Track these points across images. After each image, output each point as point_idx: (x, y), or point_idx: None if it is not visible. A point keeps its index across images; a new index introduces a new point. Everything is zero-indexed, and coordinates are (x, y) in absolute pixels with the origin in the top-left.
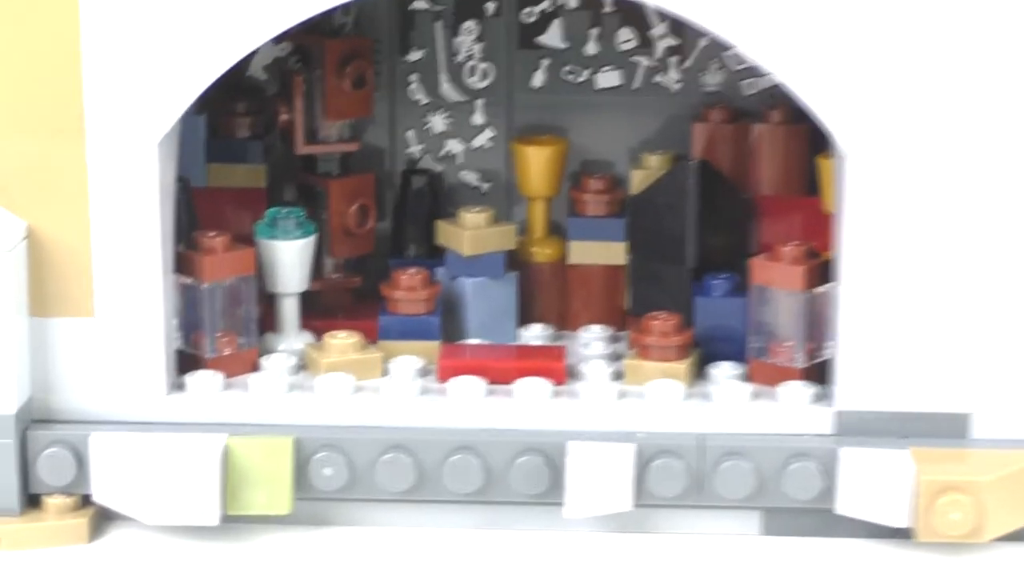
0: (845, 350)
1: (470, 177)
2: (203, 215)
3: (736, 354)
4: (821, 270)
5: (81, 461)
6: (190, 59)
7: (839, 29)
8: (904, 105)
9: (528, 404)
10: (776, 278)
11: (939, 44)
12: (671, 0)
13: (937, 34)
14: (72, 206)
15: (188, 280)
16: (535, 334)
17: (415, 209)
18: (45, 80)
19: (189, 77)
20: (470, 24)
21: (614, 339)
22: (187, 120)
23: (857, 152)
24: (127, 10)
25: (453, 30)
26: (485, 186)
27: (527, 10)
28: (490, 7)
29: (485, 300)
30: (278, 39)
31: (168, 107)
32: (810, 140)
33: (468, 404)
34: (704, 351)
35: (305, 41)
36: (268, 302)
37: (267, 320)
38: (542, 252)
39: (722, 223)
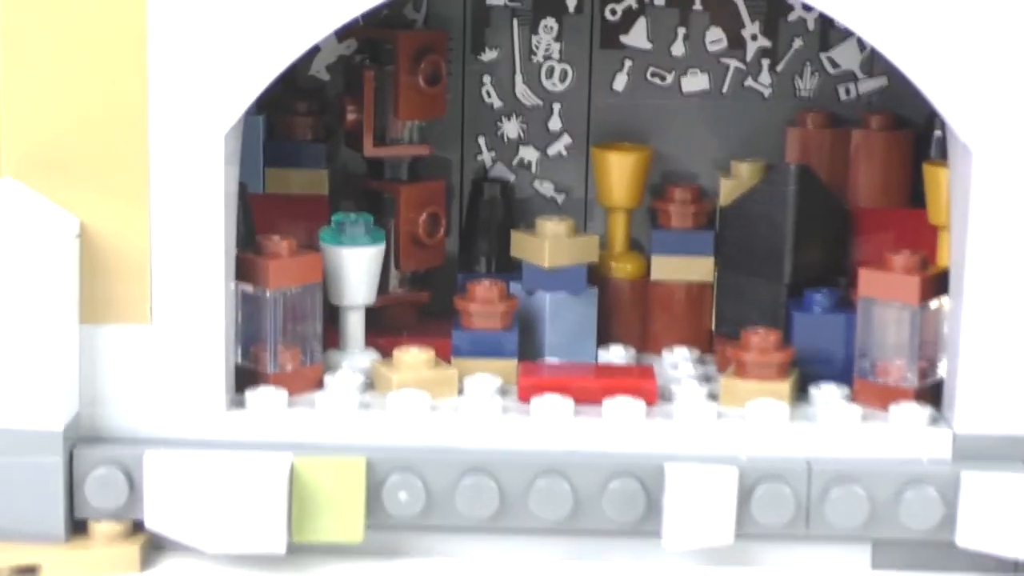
0: (965, 369)
1: (545, 187)
2: (260, 222)
3: (836, 374)
4: (935, 282)
5: (133, 483)
6: (257, 48)
7: (962, 13)
8: None
9: (620, 425)
10: (888, 290)
11: None
12: None
13: None
14: (131, 203)
15: (250, 288)
16: (615, 355)
17: (486, 221)
18: (108, 69)
19: (256, 67)
20: (549, 21)
21: (701, 361)
22: (245, 120)
23: (985, 150)
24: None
25: (531, 28)
26: (560, 197)
27: (611, 7)
28: (571, 3)
29: (564, 316)
30: (343, 35)
31: (235, 98)
32: (911, 148)
33: (555, 424)
34: (802, 371)
35: (375, 35)
36: (330, 317)
37: (328, 336)
38: (622, 268)
39: (820, 235)
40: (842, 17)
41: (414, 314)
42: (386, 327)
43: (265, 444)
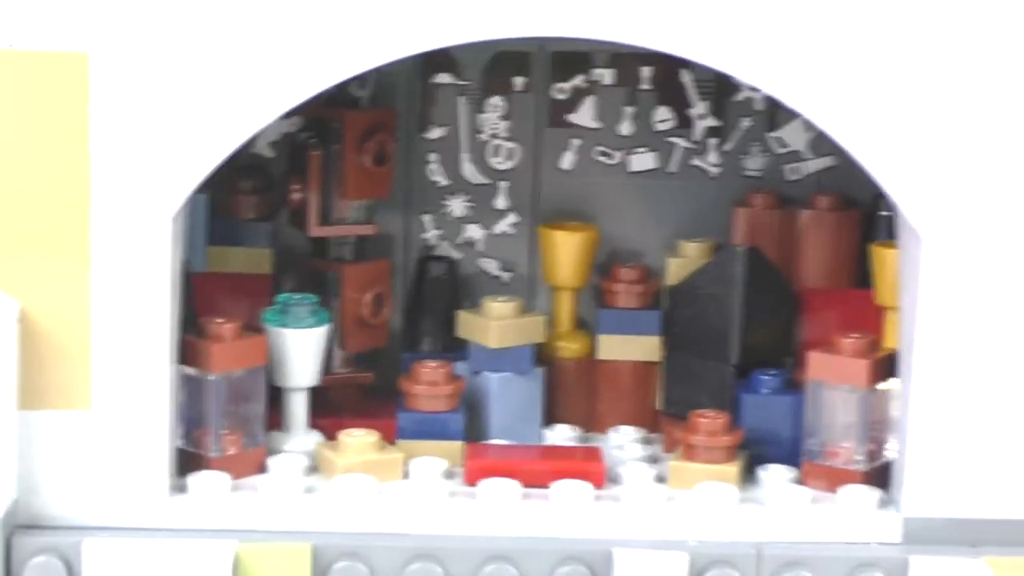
0: (914, 452)
1: (490, 265)
2: (201, 302)
3: (784, 456)
4: (884, 364)
5: (72, 571)
6: (205, 129)
7: (914, 99)
8: (983, 185)
9: (568, 509)
10: (837, 373)
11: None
12: (742, 69)
13: (1020, 115)
14: (72, 286)
15: (193, 371)
16: (562, 435)
17: (431, 299)
18: (49, 147)
19: (204, 148)
20: (496, 100)
21: (647, 440)
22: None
23: (934, 236)
24: (138, 79)
25: (478, 106)
26: (506, 275)
27: (558, 86)
28: (518, 82)
29: (510, 397)
30: (288, 113)
31: (182, 180)
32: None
33: (502, 509)
34: (750, 452)
35: (322, 114)
36: (272, 398)
37: (270, 416)
38: (568, 347)
39: (768, 316)
40: (791, 101)
41: (358, 394)
42: (330, 407)
43: (208, 531)
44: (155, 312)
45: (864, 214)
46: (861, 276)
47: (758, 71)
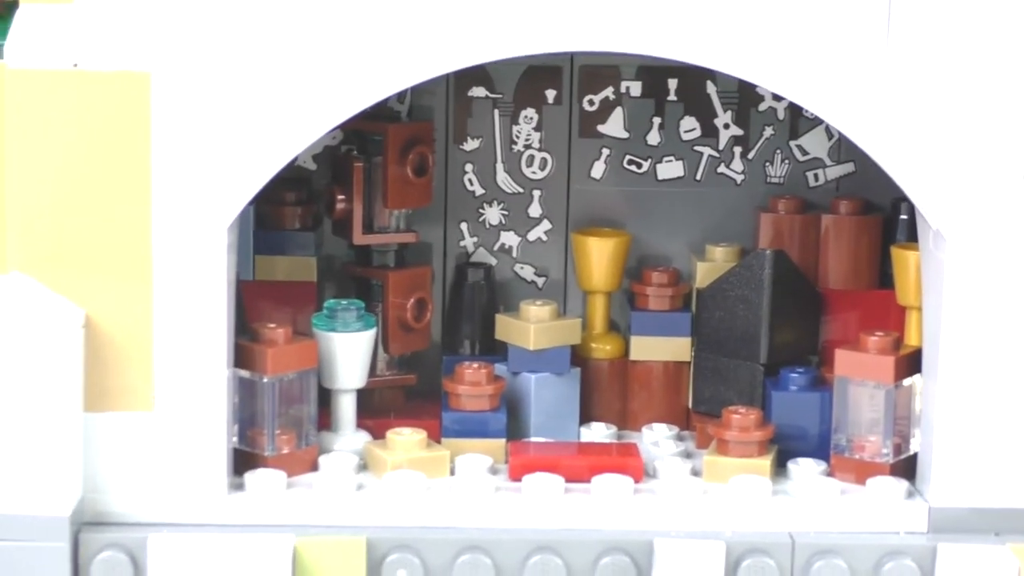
0: (939, 445)
1: (525, 271)
2: (249, 309)
3: (812, 450)
4: (907, 361)
5: (138, 566)
6: (258, 144)
7: (935, 104)
8: (1004, 187)
9: (610, 502)
10: (863, 370)
11: None
12: (763, 76)
13: None
14: (134, 294)
15: (247, 374)
16: (598, 433)
17: (470, 304)
18: (112, 163)
19: (257, 162)
20: (529, 112)
21: (680, 437)
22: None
23: (957, 236)
24: (197, 97)
25: (512, 118)
26: (540, 280)
27: (588, 98)
28: (550, 95)
29: (548, 396)
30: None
31: (237, 192)
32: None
33: (546, 503)
34: (780, 447)
35: (363, 128)
36: (321, 399)
37: (320, 418)
38: (602, 348)
39: (794, 317)
40: (813, 108)
41: (402, 396)
42: (375, 409)
43: (266, 526)
44: (212, 318)
45: (883, 218)
46: (882, 277)
47: (780, 79)
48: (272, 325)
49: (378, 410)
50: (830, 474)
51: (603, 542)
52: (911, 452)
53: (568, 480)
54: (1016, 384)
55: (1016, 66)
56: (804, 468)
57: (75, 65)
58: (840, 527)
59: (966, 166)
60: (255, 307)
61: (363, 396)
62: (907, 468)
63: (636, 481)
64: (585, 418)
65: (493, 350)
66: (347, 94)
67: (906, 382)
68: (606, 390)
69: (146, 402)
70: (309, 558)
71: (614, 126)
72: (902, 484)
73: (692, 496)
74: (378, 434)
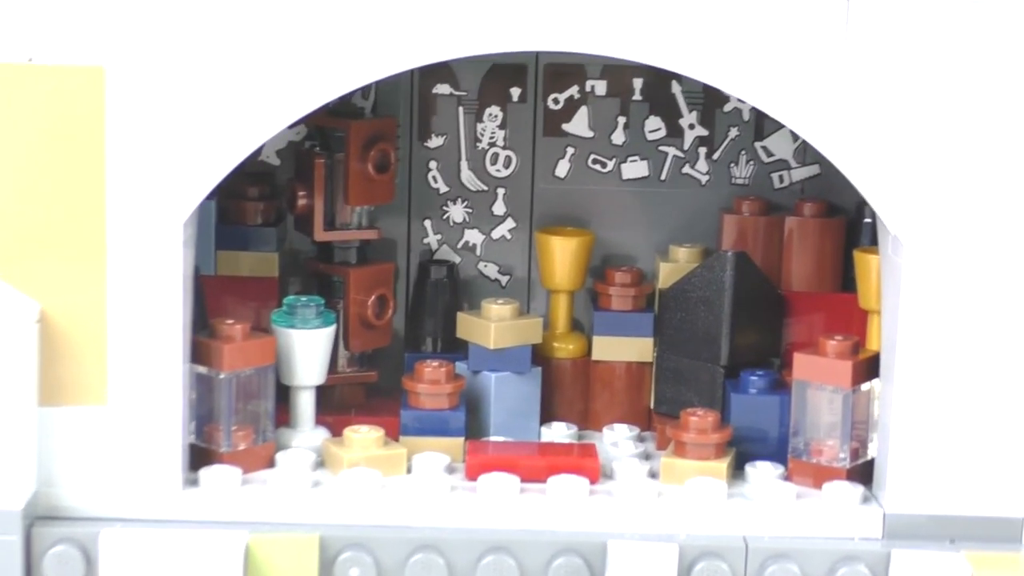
0: (895, 450)
1: (489, 269)
2: (211, 304)
3: (771, 453)
4: (866, 366)
5: (90, 560)
6: (216, 138)
7: (895, 110)
8: (962, 193)
9: (564, 503)
10: (821, 374)
11: (998, 134)
12: (726, 80)
13: (996, 124)
14: (89, 288)
15: (204, 370)
16: (558, 432)
17: (433, 301)
18: (67, 157)
19: (215, 157)
20: (494, 110)
21: (640, 438)
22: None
23: (915, 242)
24: (151, 92)
25: (476, 116)
26: (504, 278)
27: (553, 96)
28: (515, 93)
29: (509, 396)
30: (294, 122)
31: (193, 187)
32: (843, 235)
33: (501, 502)
34: (738, 450)
35: (326, 123)
36: (280, 395)
37: (279, 414)
38: (564, 348)
39: (756, 319)
40: (775, 112)
41: (362, 392)
42: (335, 405)
43: (220, 522)
44: (168, 313)
45: (848, 221)
46: (845, 280)
47: (743, 84)
48: (230, 321)
49: (339, 407)
50: (787, 478)
51: (557, 543)
52: (869, 457)
53: (525, 480)
54: (972, 391)
55: (976, 73)
56: (761, 471)
57: (30, 59)
58: (795, 531)
59: (926, 173)
60: (217, 302)
61: (324, 392)
62: (865, 473)
63: (592, 482)
64: (547, 417)
65: (456, 348)
66: (306, 90)
67: (864, 386)
68: (568, 389)
69: (100, 396)
70: (261, 555)
71: (579, 125)
72: (858, 489)
73: (647, 498)
74: (338, 431)
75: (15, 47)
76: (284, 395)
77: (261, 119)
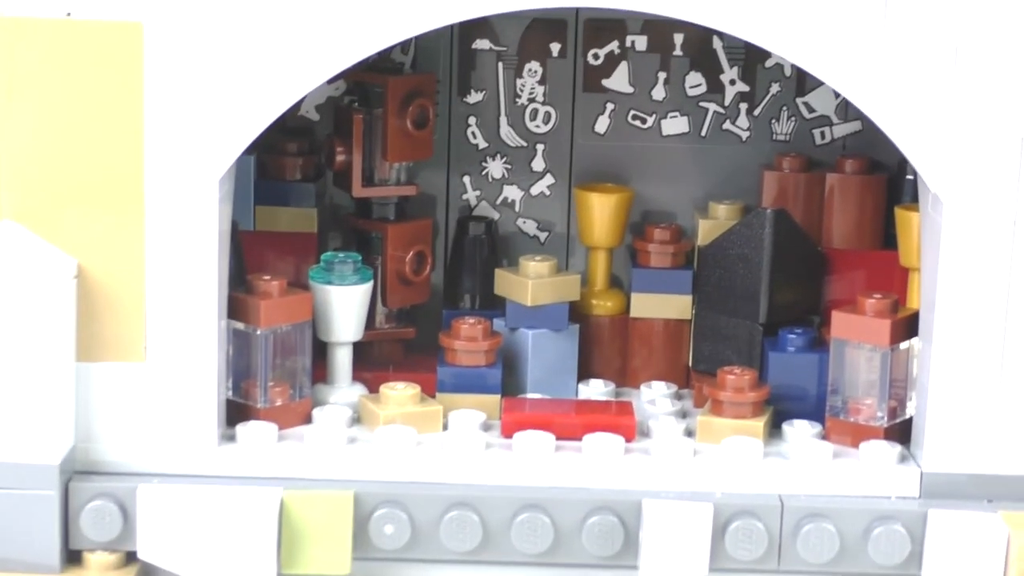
0: (933, 409)
1: (528, 225)
2: (250, 259)
3: (809, 412)
4: (905, 324)
5: (127, 515)
6: (252, 95)
7: (935, 67)
8: (1002, 150)
9: (600, 461)
10: (859, 332)
11: None
12: (766, 38)
13: None
14: (127, 244)
15: (241, 326)
16: (595, 390)
17: (471, 258)
18: (105, 112)
19: (251, 113)
20: (533, 65)
21: (678, 396)
22: (237, 160)
23: (955, 200)
24: (189, 47)
25: (516, 71)
26: (543, 235)
27: (593, 52)
28: (555, 48)
29: (546, 353)
30: (333, 77)
31: (229, 143)
32: (884, 192)
33: (536, 460)
34: (775, 408)
35: (364, 79)
36: (318, 352)
37: (316, 370)
38: (603, 305)
39: (795, 276)
40: (814, 70)
41: (400, 349)
42: (373, 361)
43: (255, 478)
44: (204, 269)
45: (889, 177)
46: (887, 238)
47: (782, 40)
48: (267, 277)
49: (377, 363)
50: (825, 437)
51: (591, 501)
52: (907, 416)
53: (560, 438)
54: (1010, 350)
55: (1014, 33)
56: (798, 430)
57: (68, 14)
58: (831, 490)
59: (966, 131)
60: (255, 258)
61: (362, 349)
62: (903, 432)
63: (628, 440)
64: (585, 374)
65: (494, 305)
66: (343, 46)
67: (903, 345)
68: (606, 347)
69: (138, 352)
70: (296, 511)
71: (619, 81)
72: (895, 448)
73: (683, 457)
74: (375, 387)
75: (54, 2)
76: (321, 351)
77: (297, 76)
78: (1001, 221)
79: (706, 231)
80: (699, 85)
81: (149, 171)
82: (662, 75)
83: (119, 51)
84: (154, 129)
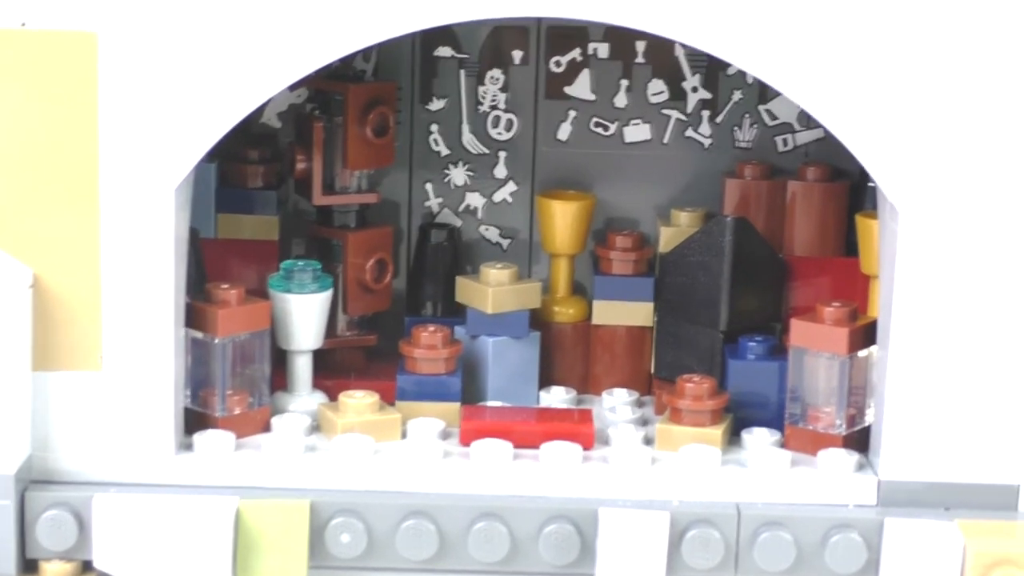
0: (890, 417)
1: (490, 232)
2: (211, 267)
3: (769, 420)
4: (864, 332)
5: (83, 524)
6: (209, 104)
7: (894, 79)
8: (960, 161)
9: (557, 469)
10: (817, 340)
11: (996, 101)
12: (724, 48)
13: (995, 94)
14: (82, 254)
15: (199, 334)
16: (557, 397)
17: (433, 265)
18: (59, 124)
19: (207, 122)
20: (495, 72)
21: (639, 403)
22: (198, 168)
23: (911, 210)
24: (145, 56)
25: (478, 78)
26: (506, 242)
27: (555, 59)
28: (517, 55)
29: (507, 360)
30: (295, 85)
31: (185, 153)
32: (846, 199)
33: (494, 469)
34: (735, 416)
35: (325, 87)
36: (278, 360)
37: (276, 378)
38: (564, 312)
39: (756, 284)
40: (773, 80)
41: (362, 356)
42: (335, 369)
43: (212, 488)
44: (161, 278)
45: (851, 185)
46: (848, 245)
47: (740, 51)
48: (225, 286)
49: (338, 370)
50: (784, 444)
51: (548, 510)
52: (866, 424)
53: (519, 446)
54: (968, 359)
55: (973, 42)
56: (757, 438)
57: (23, 24)
58: (789, 499)
59: (923, 141)
60: (217, 265)
61: (324, 356)
62: (862, 440)
63: (586, 448)
64: (548, 381)
65: (457, 312)
66: (302, 53)
67: (862, 353)
68: (568, 354)
69: (94, 362)
70: (252, 520)
71: (581, 88)
72: (853, 456)
73: (641, 465)
74: (336, 395)
75: (8, 12)
76: (282, 359)
77: (254, 84)
78: (957, 230)
79: (668, 238)
80: (661, 92)
81: (104, 180)
82: (624, 82)
83: (74, 61)
84: (109, 139)
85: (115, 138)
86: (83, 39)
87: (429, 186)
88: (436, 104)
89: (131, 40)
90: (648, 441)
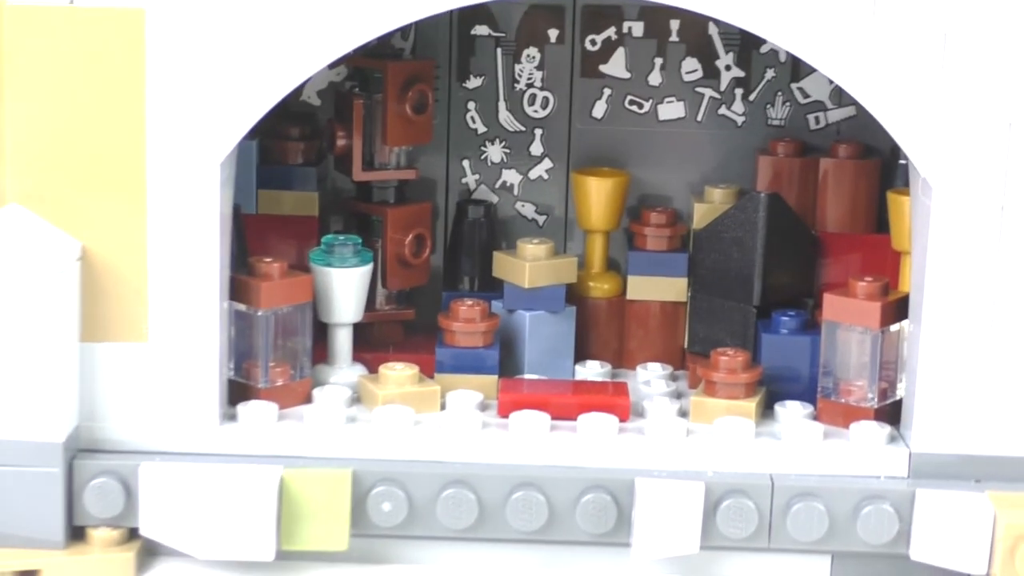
0: (922, 390)
1: (526, 209)
2: (252, 242)
3: (801, 393)
4: (896, 307)
5: (129, 492)
6: (253, 80)
7: (926, 54)
8: (992, 137)
9: (594, 440)
10: (850, 314)
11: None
12: (760, 25)
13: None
14: (130, 227)
15: (243, 307)
16: (592, 371)
17: (470, 241)
18: (107, 98)
19: (252, 98)
20: (532, 51)
21: (673, 377)
22: (239, 145)
23: (944, 185)
24: (191, 32)
25: (514, 57)
26: (541, 218)
27: (591, 38)
28: (553, 34)
29: (543, 334)
30: (333, 63)
31: (230, 128)
32: (877, 176)
33: (532, 440)
34: (769, 389)
35: (364, 64)
36: (319, 333)
37: (317, 351)
38: (599, 287)
39: (788, 260)
40: (807, 56)
41: (400, 330)
42: (373, 343)
43: (256, 456)
44: (206, 251)
45: (883, 162)
46: (880, 222)
47: (775, 28)
48: (268, 259)
49: (377, 344)
50: (816, 417)
51: (585, 480)
52: (897, 397)
53: (556, 418)
54: (998, 332)
55: (1007, 17)
56: (790, 411)
57: (71, 1)
58: (821, 470)
59: (955, 117)
60: (258, 240)
61: (362, 330)
62: (893, 413)
63: (622, 420)
64: (582, 356)
65: (493, 287)
66: (343, 31)
67: (894, 327)
68: (603, 329)
69: (141, 333)
70: (295, 489)
71: (616, 66)
72: (885, 429)
73: (676, 436)
74: (375, 368)
75: None
76: (323, 332)
77: (297, 61)
78: (989, 205)
79: (701, 214)
80: (695, 71)
81: (151, 155)
82: (658, 61)
83: (121, 37)
84: (156, 114)
85: (161, 113)
86: (131, 16)
87: (466, 163)
88: (473, 82)
89: (178, 16)
90: (683, 414)
